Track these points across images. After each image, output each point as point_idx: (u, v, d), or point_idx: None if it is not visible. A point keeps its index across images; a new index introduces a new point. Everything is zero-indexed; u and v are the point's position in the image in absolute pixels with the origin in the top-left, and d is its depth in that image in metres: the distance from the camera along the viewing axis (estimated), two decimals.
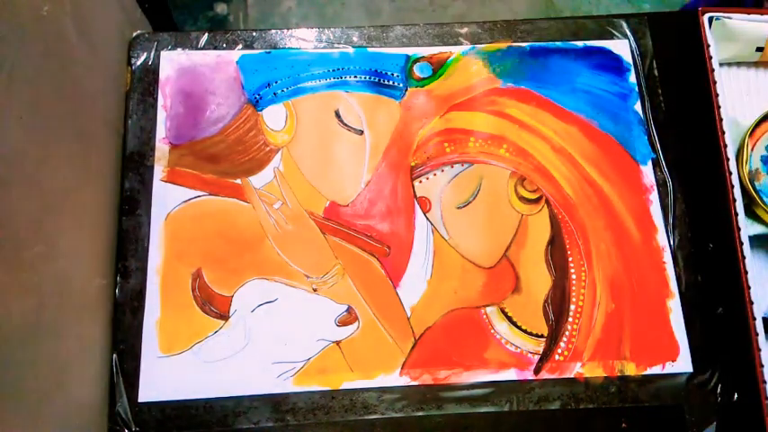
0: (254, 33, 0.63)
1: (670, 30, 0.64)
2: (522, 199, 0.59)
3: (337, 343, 0.54)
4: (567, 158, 0.60)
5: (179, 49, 0.62)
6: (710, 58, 0.60)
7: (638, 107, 0.62)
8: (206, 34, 0.63)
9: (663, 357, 0.54)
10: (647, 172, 0.60)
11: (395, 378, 0.54)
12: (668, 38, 0.64)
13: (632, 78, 0.63)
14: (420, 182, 0.59)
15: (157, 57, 0.62)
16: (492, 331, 0.55)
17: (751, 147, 0.59)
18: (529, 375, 0.54)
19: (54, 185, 0.47)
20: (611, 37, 0.64)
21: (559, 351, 0.55)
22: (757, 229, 0.58)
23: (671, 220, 0.58)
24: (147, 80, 0.61)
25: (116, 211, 0.57)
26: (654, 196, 0.59)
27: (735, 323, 0.55)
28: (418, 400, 0.53)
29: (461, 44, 0.64)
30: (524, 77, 0.62)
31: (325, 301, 0.55)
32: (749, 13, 0.61)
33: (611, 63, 0.63)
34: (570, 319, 0.55)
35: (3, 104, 0.41)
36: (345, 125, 0.61)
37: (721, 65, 0.61)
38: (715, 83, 0.60)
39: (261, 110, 0.61)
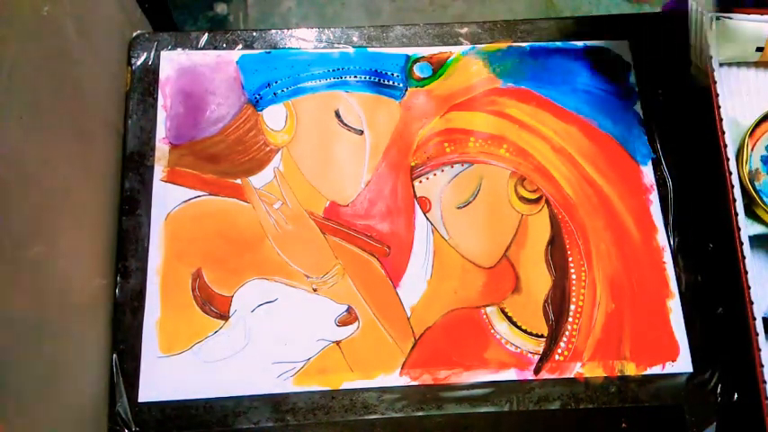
0: (254, 33, 0.63)
1: (670, 30, 0.64)
2: (522, 199, 0.59)
3: (337, 343, 0.54)
4: (567, 158, 0.60)
5: (179, 49, 0.62)
6: (710, 58, 0.60)
7: (638, 107, 0.62)
8: (206, 34, 0.63)
9: (663, 357, 0.54)
10: (647, 172, 0.60)
11: (395, 378, 0.54)
12: (668, 38, 0.64)
13: (632, 78, 0.63)
14: (420, 182, 0.59)
15: (157, 57, 0.62)
16: (492, 331, 0.55)
17: (751, 147, 0.59)
18: (529, 375, 0.54)
19: (54, 185, 0.47)
20: (611, 37, 0.64)
21: (559, 351, 0.55)
22: (757, 229, 0.57)
23: (671, 220, 0.58)
24: (147, 80, 0.61)
25: (116, 211, 0.57)
26: (654, 196, 0.59)
27: (735, 323, 0.55)
28: (418, 400, 0.53)
29: (461, 44, 0.64)
30: (524, 77, 0.62)
31: (325, 301, 0.55)
32: (749, 13, 0.61)
33: (611, 63, 0.63)
34: (570, 319, 0.55)
35: (3, 104, 0.41)
36: (345, 125, 0.61)
37: (721, 65, 0.61)
38: (715, 83, 0.60)
39: (261, 110, 0.61)
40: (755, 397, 0.53)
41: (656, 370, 0.54)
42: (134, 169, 0.58)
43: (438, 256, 0.57)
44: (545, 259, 0.57)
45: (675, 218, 0.58)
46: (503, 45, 0.64)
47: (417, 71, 0.62)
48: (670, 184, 0.59)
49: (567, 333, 0.55)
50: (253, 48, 0.63)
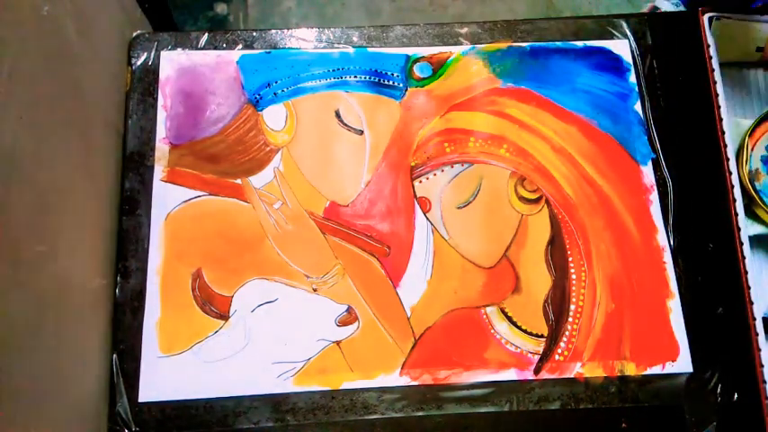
0: (254, 33, 0.63)
1: (670, 30, 0.64)
2: (522, 199, 0.59)
3: (337, 343, 0.54)
4: (567, 158, 0.60)
5: (179, 49, 0.62)
6: (710, 58, 0.60)
7: (638, 107, 0.62)
8: (206, 34, 0.63)
9: (663, 357, 0.54)
10: (647, 172, 0.60)
11: (395, 378, 0.54)
12: (668, 38, 0.64)
13: (632, 78, 0.63)
14: (420, 182, 0.59)
15: (157, 57, 0.62)
16: (492, 331, 0.55)
17: (751, 147, 0.59)
18: (529, 375, 0.54)
19: (54, 185, 0.47)
20: (611, 37, 0.64)
21: (559, 351, 0.55)
22: (757, 229, 0.58)
23: (671, 220, 0.58)
24: (147, 80, 0.61)
25: (116, 211, 0.57)
26: (654, 196, 0.59)
27: (735, 323, 0.55)
28: (418, 400, 0.53)
29: (461, 44, 0.64)
30: (524, 77, 0.62)
31: (325, 301, 0.55)
32: (749, 13, 0.61)
33: (611, 63, 0.63)
34: (570, 319, 0.55)
35: (3, 104, 0.41)
36: (345, 125, 0.61)
37: (721, 65, 0.61)
38: (715, 83, 0.60)
39: (261, 110, 0.61)
40: (755, 397, 0.53)
41: (656, 370, 0.54)
42: (134, 169, 0.58)
43: (438, 256, 0.57)
44: (545, 259, 0.57)
45: (675, 218, 0.58)
46: (503, 45, 0.64)
47: (417, 71, 0.62)
48: (670, 184, 0.59)
49: (567, 333, 0.55)
50: (253, 48, 0.63)
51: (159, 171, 0.58)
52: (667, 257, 0.57)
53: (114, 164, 0.58)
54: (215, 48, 0.63)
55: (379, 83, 0.62)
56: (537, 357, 0.54)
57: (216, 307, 0.55)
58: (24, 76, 0.43)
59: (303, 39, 0.63)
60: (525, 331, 0.55)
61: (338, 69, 0.62)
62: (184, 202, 0.57)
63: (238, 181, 0.58)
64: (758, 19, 0.61)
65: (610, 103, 0.62)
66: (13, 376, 0.41)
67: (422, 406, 0.53)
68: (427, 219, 0.58)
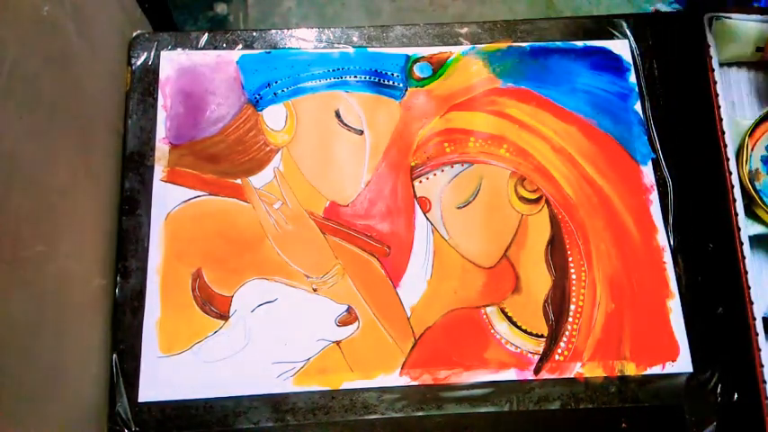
0: (254, 33, 0.63)
1: (670, 30, 0.64)
2: (522, 199, 0.59)
3: (337, 343, 0.54)
4: (566, 158, 0.60)
5: (179, 49, 0.62)
6: (710, 58, 0.60)
7: (638, 107, 0.62)
8: (206, 34, 0.63)
9: (663, 357, 0.54)
10: (647, 172, 0.60)
11: (395, 378, 0.54)
12: (668, 38, 0.64)
13: (632, 78, 0.63)
14: (420, 182, 0.59)
15: (157, 57, 0.62)
16: (492, 331, 0.55)
17: (751, 147, 0.59)
18: (529, 375, 0.54)
19: (54, 185, 0.47)
20: (611, 37, 0.64)
21: (559, 351, 0.55)
22: (757, 229, 0.58)
23: (671, 220, 0.58)
24: (147, 80, 0.61)
25: (116, 211, 0.57)
26: (654, 196, 0.59)
27: (735, 323, 0.55)
28: (418, 400, 0.53)
29: (461, 44, 0.64)
30: (524, 77, 0.62)
31: (325, 301, 0.55)
32: (749, 13, 0.61)
33: (611, 63, 0.63)
34: (570, 319, 0.55)
35: (3, 104, 0.41)
36: (345, 125, 0.61)
37: (721, 65, 0.61)
38: (715, 83, 0.60)
39: (261, 110, 0.61)
40: (755, 397, 0.53)
41: (655, 370, 0.54)
42: (134, 169, 0.58)
43: (438, 256, 0.57)
44: (545, 259, 0.57)
45: (675, 218, 0.58)
46: (503, 45, 0.64)
47: (417, 71, 0.62)
48: (670, 184, 0.59)
49: (567, 333, 0.55)
50: (253, 48, 0.63)
51: (159, 171, 0.58)
52: (667, 257, 0.57)
53: (114, 164, 0.58)
54: (215, 48, 0.63)
55: (379, 83, 0.62)
56: (537, 357, 0.54)
57: (216, 307, 0.55)
58: (24, 76, 0.43)
59: (303, 39, 0.64)
60: (525, 331, 0.55)
61: (338, 69, 0.62)
62: (184, 201, 0.57)
63: (238, 181, 0.58)
64: (758, 19, 0.61)
65: (610, 103, 0.62)
66: (13, 376, 0.41)
67: (422, 406, 0.53)
68: (427, 219, 0.58)
